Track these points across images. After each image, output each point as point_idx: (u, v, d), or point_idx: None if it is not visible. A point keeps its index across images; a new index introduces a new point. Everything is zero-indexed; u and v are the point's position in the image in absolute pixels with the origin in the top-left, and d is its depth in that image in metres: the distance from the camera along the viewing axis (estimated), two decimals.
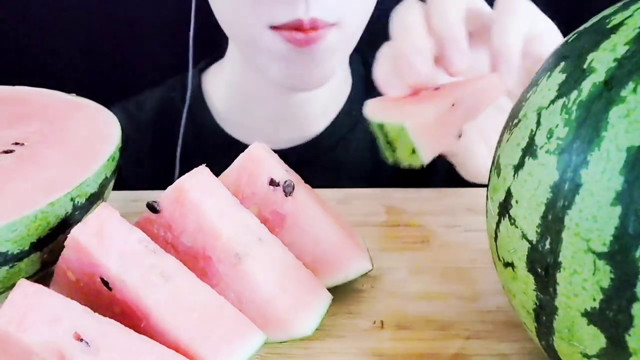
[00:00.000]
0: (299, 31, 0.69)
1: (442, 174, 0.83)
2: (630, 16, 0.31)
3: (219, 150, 0.77)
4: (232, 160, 0.48)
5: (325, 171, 0.84)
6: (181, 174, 0.45)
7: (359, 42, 0.79)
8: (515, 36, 0.51)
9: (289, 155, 0.81)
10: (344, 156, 0.87)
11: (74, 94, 0.53)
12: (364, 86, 0.89)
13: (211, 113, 0.87)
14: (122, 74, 1.06)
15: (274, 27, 0.70)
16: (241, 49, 0.79)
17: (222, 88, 0.88)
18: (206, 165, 0.44)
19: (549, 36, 0.55)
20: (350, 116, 0.86)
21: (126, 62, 1.14)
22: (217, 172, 0.46)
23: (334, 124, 0.86)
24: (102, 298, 0.39)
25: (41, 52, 1.16)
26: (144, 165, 0.86)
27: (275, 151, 0.48)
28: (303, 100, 0.82)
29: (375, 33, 0.81)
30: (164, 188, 0.43)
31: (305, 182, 0.49)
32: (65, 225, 0.42)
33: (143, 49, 1.15)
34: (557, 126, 0.31)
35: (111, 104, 0.86)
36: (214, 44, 0.85)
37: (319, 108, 0.85)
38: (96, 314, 0.36)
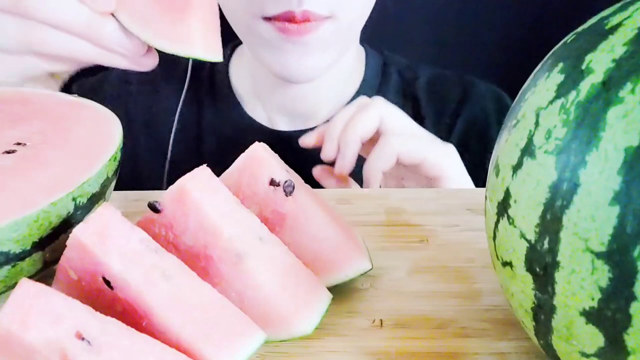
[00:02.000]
0: (291, 22, 0.69)
1: None
2: (628, 17, 0.32)
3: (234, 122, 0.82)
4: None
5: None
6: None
7: (376, 37, 0.80)
8: (352, 133, 0.67)
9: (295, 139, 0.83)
10: None
11: (76, 95, 0.53)
12: (380, 78, 0.89)
13: (231, 85, 0.88)
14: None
15: (267, 18, 0.71)
16: (241, 38, 0.80)
17: (241, 68, 0.89)
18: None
19: (395, 127, 0.69)
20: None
21: None
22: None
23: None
24: (104, 297, 0.39)
25: None
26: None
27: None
28: (303, 90, 0.83)
29: (389, 27, 0.81)
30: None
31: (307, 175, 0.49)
32: (67, 224, 0.42)
33: None
34: (555, 126, 0.31)
35: None
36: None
37: (321, 99, 0.86)
38: (98, 313, 0.36)
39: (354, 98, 0.87)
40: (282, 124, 0.87)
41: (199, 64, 0.89)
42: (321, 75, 0.78)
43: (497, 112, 0.91)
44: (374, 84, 0.88)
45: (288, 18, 0.69)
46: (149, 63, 0.55)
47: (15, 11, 0.51)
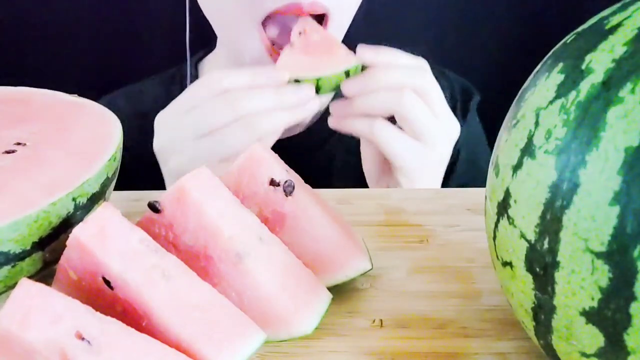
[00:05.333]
0: (298, 15, 0.68)
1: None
2: (628, 17, 0.32)
3: None
4: None
5: (318, 168, 0.84)
6: None
7: (375, 37, 0.80)
8: None
9: (283, 147, 0.81)
10: (335, 152, 0.87)
11: (76, 95, 0.53)
12: None
13: None
14: (121, 70, 1.06)
15: (265, 21, 0.69)
16: (227, 47, 0.79)
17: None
18: None
19: None
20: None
21: (125, 58, 1.14)
22: None
23: (326, 116, 0.86)
24: (104, 297, 0.39)
25: (41, 52, 1.16)
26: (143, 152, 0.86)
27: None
28: None
29: (390, 28, 0.81)
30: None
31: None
32: (67, 224, 0.42)
33: (141, 44, 1.15)
34: (555, 126, 0.31)
35: (107, 93, 0.86)
36: (210, 35, 0.85)
37: None
38: (98, 313, 0.36)
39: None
40: None
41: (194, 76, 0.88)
42: None
43: (463, 102, 0.90)
44: None
45: (294, 10, 0.68)
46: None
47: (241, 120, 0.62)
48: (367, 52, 0.66)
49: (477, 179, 0.87)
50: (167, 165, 0.65)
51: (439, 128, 0.67)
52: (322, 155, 0.86)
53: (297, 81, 0.64)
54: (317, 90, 0.64)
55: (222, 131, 0.62)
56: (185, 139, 0.63)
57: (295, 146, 0.84)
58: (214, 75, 0.64)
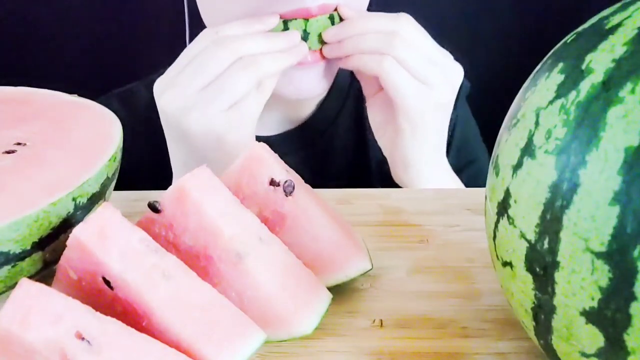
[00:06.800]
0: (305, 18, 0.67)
1: None
2: (628, 17, 0.32)
3: None
4: None
5: (314, 162, 0.84)
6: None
7: None
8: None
9: (279, 143, 0.81)
10: (330, 145, 0.86)
11: (76, 95, 0.53)
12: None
13: None
14: (121, 70, 1.06)
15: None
16: None
17: None
18: None
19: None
20: (338, 97, 0.86)
21: (125, 58, 1.14)
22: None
23: (322, 108, 0.85)
24: (104, 297, 0.39)
25: (41, 52, 1.16)
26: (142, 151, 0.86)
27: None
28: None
29: None
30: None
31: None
32: (67, 224, 0.42)
33: (141, 44, 1.15)
34: (555, 126, 0.31)
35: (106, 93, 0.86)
36: None
37: (311, 103, 0.85)
38: (98, 313, 0.36)
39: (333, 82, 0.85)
40: (265, 130, 0.83)
41: None
42: (324, 90, 0.76)
43: None
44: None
45: (303, 15, 0.68)
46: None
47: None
48: (349, 10, 0.69)
49: (468, 163, 0.87)
50: (180, 129, 0.65)
51: (436, 72, 0.68)
52: (319, 150, 0.86)
53: (285, 29, 0.67)
54: (305, 39, 0.68)
55: (224, 75, 0.63)
56: (190, 93, 0.63)
57: (292, 141, 0.84)
58: (206, 30, 0.66)
